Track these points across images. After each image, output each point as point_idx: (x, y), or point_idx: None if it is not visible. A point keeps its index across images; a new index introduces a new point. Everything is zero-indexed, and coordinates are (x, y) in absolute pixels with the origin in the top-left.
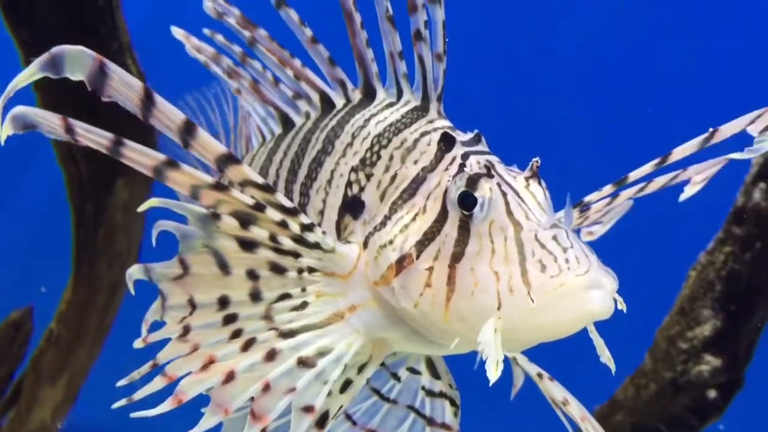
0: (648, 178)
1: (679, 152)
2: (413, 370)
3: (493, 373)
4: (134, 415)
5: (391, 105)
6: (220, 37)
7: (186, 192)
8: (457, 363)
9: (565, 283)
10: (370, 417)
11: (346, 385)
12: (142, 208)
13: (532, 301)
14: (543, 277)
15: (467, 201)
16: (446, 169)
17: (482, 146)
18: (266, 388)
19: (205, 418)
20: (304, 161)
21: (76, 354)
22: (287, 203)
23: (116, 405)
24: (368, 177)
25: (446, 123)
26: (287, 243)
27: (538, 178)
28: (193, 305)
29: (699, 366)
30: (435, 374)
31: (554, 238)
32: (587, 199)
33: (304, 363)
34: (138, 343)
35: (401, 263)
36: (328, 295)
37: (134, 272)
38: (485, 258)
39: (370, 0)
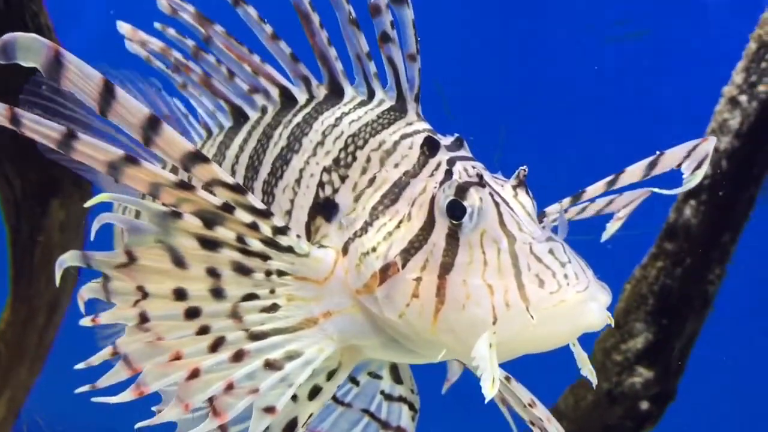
0: (602, 194)
1: (629, 174)
2: (374, 375)
3: (489, 389)
4: (95, 399)
5: (363, 104)
6: (171, 31)
7: (144, 190)
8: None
9: (565, 300)
10: (320, 420)
11: (315, 392)
12: (90, 203)
13: (532, 317)
14: (542, 292)
15: (456, 210)
16: (431, 174)
17: (465, 151)
18: (229, 387)
19: (165, 410)
20: (265, 158)
21: (16, 372)
22: (259, 205)
23: (79, 390)
24: (342, 178)
25: (426, 125)
26: (256, 245)
27: (526, 187)
28: (144, 293)
29: (632, 378)
30: (397, 379)
31: (551, 251)
32: (546, 210)
33: (271, 366)
34: (85, 322)
35: (386, 272)
36: (299, 299)
37: (68, 258)
38: (477, 270)
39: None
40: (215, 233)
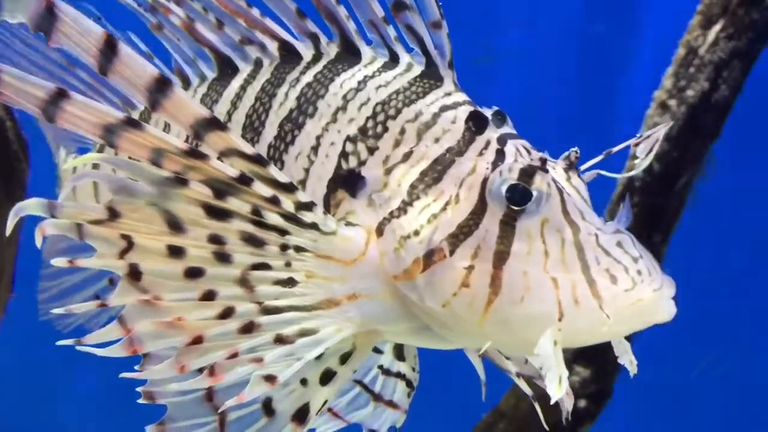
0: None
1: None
2: (375, 349)
3: (557, 389)
4: (81, 348)
5: (388, 67)
6: None
7: (143, 156)
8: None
9: (642, 299)
10: None
11: (327, 376)
12: (71, 164)
13: (608, 317)
14: (616, 290)
15: (517, 195)
16: (480, 154)
17: (509, 127)
18: (233, 356)
19: (157, 367)
20: (269, 119)
21: None
22: (283, 178)
23: (61, 342)
24: (371, 150)
25: (465, 97)
26: (274, 219)
27: (578, 170)
28: (130, 242)
29: (570, 377)
30: (399, 356)
31: (619, 244)
32: None
33: (281, 340)
34: (59, 262)
35: (430, 258)
36: (320, 277)
37: (28, 206)
38: (538, 261)
39: None
40: (226, 204)
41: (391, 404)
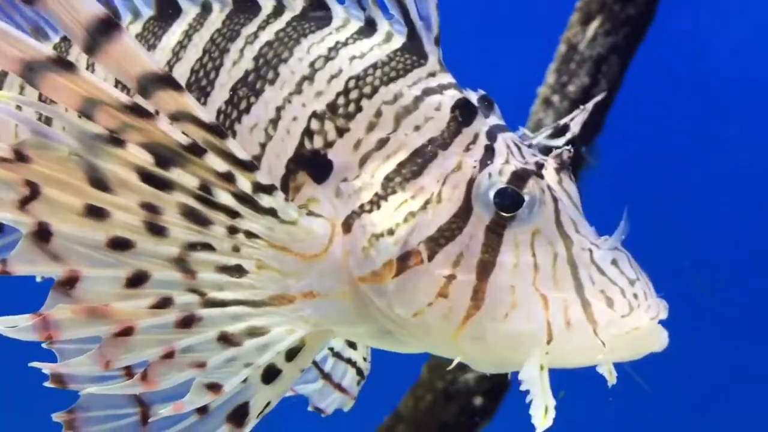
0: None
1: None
2: None
3: (542, 420)
4: None
5: (364, 34)
6: None
7: (73, 106)
8: None
9: (640, 328)
10: None
11: (271, 374)
12: None
13: (603, 344)
14: (612, 315)
15: (507, 200)
16: (467, 149)
17: (497, 117)
18: (169, 354)
19: (77, 360)
20: (220, 78)
21: None
22: (242, 154)
23: None
24: (340, 131)
25: (452, 79)
26: (225, 198)
27: (570, 172)
28: (35, 191)
29: (465, 374)
30: (351, 344)
31: (614, 263)
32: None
33: (226, 340)
34: None
35: (405, 261)
36: (273, 270)
37: None
38: (526, 275)
39: None
40: (169, 174)
41: (339, 388)
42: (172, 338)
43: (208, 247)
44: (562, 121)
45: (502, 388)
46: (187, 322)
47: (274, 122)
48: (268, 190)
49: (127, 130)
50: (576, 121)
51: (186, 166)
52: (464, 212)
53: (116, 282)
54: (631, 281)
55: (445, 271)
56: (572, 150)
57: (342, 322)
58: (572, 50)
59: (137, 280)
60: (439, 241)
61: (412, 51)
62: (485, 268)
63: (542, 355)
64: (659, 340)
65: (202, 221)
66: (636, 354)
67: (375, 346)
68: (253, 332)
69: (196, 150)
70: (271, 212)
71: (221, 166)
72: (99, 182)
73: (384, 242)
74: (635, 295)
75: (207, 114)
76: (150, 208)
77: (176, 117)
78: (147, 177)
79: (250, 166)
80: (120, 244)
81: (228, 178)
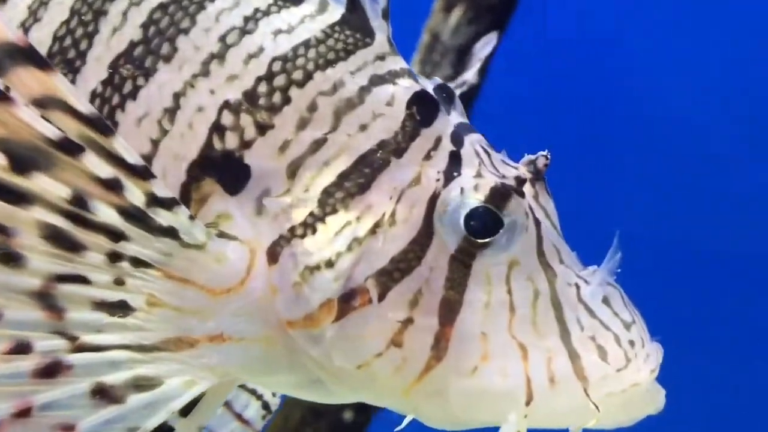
0: None
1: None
2: None
3: None
4: None
5: (291, 1)
6: None
7: None
8: None
9: (639, 383)
10: None
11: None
12: None
13: (596, 407)
14: (606, 369)
15: (482, 223)
16: (428, 156)
17: (459, 113)
18: (25, 412)
19: None
20: (95, 50)
21: None
22: (133, 157)
23: None
24: (262, 128)
25: (404, 65)
26: (107, 215)
27: (546, 183)
28: None
29: None
30: None
31: (606, 302)
32: None
33: (104, 394)
34: None
35: (349, 302)
36: (170, 307)
37: None
38: (501, 318)
39: None
40: (28, 182)
41: (240, 418)
42: (28, 390)
43: (80, 279)
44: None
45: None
46: (51, 370)
47: (171, 113)
48: (167, 204)
49: None
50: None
51: (53, 171)
52: (424, 237)
53: None
54: (626, 325)
55: (399, 314)
56: (548, 156)
57: (259, 372)
58: (435, 40)
59: None
60: (392, 275)
61: (354, 26)
62: (450, 310)
63: (520, 419)
64: (658, 400)
65: (72, 246)
66: (632, 418)
67: (297, 396)
68: (141, 384)
69: (69, 148)
70: (170, 233)
71: (104, 170)
72: None
73: (321, 277)
74: (631, 343)
75: (85, 101)
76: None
77: (42, 104)
78: None
79: (143, 173)
80: None
81: (113, 187)
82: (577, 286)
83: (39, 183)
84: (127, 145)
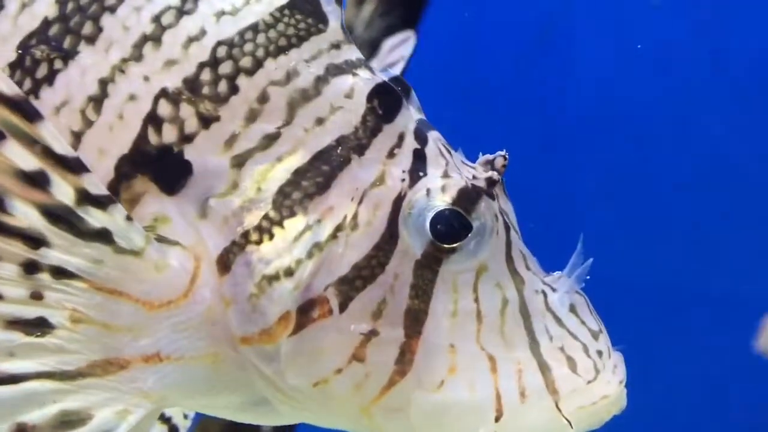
0: None
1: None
2: None
3: None
4: None
5: None
6: None
7: None
8: None
9: (609, 396)
10: None
11: None
12: None
13: (569, 422)
14: (577, 381)
15: (448, 227)
16: (391, 154)
17: (417, 109)
18: None
19: None
20: (1, 27)
21: None
22: (62, 146)
23: None
24: (205, 120)
25: (359, 54)
26: (26, 216)
27: (504, 186)
28: None
29: None
30: None
31: (573, 310)
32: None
33: None
34: None
35: (307, 313)
36: (97, 324)
37: None
38: (468, 329)
39: None
40: None
41: None
42: None
43: None
44: None
45: None
46: None
47: (97, 101)
48: (101, 202)
49: None
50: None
51: None
52: (387, 242)
53: None
54: (593, 334)
55: (362, 326)
56: (506, 156)
57: (199, 394)
58: (349, 33)
59: None
60: (354, 283)
61: (305, 11)
62: (415, 320)
63: None
64: (622, 401)
65: None
66: (598, 424)
67: (237, 420)
68: (68, 420)
69: None
70: (102, 236)
71: (28, 162)
72: None
73: (281, 287)
74: (599, 353)
75: (7, 79)
76: None
77: None
78: None
79: (74, 165)
80: None
81: (37, 182)
82: (544, 294)
83: None
84: (56, 133)
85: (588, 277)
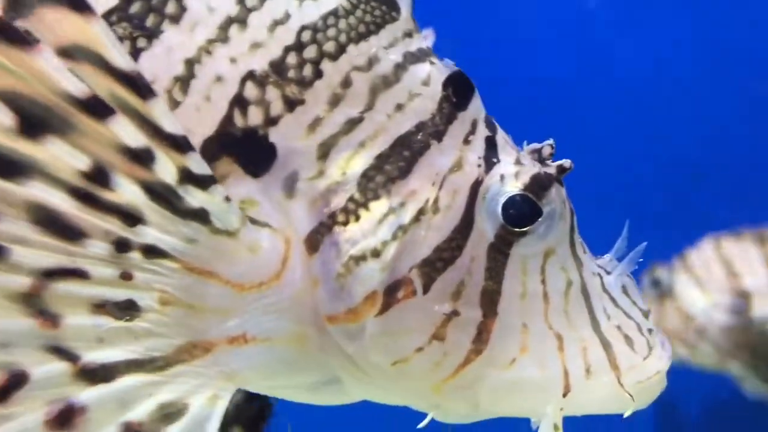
0: None
1: None
2: None
3: None
4: None
5: None
6: None
7: None
8: None
9: (661, 371)
10: None
11: None
12: None
13: (631, 396)
14: (634, 358)
15: (520, 212)
16: (466, 141)
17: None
18: None
19: None
20: None
21: None
22: (172, 124)
23: None
24: (290, 103)
25: (426, 42)
26: (128, 192)
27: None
28: None
29: (223, 398)
30: None
31: (625, 291)
32: None
33: None
34: None
35: (393, 294)
36: (185, 306)
37: None
38: (537, 309)
39: None
40: (35, 149)
41: None
42: None
43: (77, 274)
44: None
45: (263, 415)
46: (64, 419)
47: (184, 82)
48: (203, 182)
49: None
50: None
51: (71, 137)
52: (464, 226)
53: None
54: (644, 313)
55: (446, 306)
56: (554, 145)
57: (277, 374)
58: None
59: None
60: (435, 265)
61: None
62: (490, 300)
63: (556, 411)
64: (665, 380)
65: (70, 233)
66: (652, 398)
67: (300, 400)
68: (167, 413)
69: (96, 111)
70: (199, 216)
71: (135, 139)
72: None
73: (367, 268)
74: (650, 331)
75: (127, 55)
76: None
77: (70, 53)
78: None
79: (182, 144)
80: None
81: (141, 159)
82: (600, 276)
83: (51, 150)
84: (167, 110)
85: (641, 260)
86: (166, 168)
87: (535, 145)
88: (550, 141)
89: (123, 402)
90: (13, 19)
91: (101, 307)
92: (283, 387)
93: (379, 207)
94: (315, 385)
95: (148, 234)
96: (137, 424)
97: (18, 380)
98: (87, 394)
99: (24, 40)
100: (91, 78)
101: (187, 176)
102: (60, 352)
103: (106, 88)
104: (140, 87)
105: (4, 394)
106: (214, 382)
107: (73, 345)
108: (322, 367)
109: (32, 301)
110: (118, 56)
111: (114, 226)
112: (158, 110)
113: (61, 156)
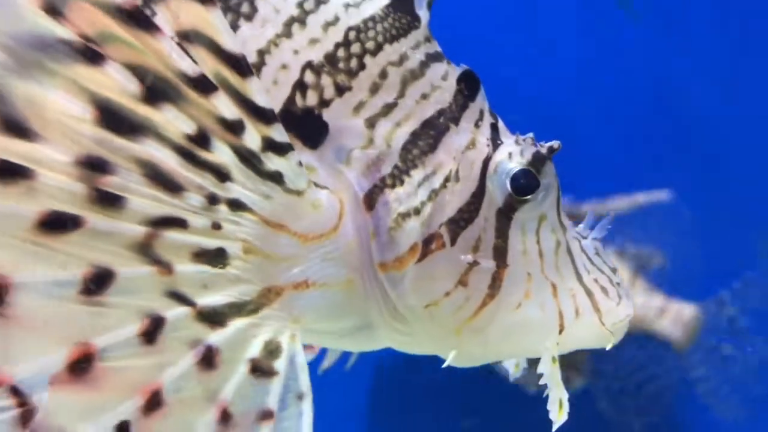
0: None
1: None
2: None
3: (558, 414)
4: None
5: None
6: None
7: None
8: None
9: (629, 315)
10: None
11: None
12: None
13: (611, 333)
14: (610, 304)
15: (524, 183)
16: (477, 125)
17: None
18: (226, 416)
19: None
20: None
21: None
22: (264, 101)
23: None
24: (340, 89)
25: (439, 47)
26: (221, 154)
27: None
28: None
29: None
30: None
31: (597, 253)
32: None
33: (259, 372)
34: None
35: (428, 245)
36: (262, 254)
37: None
38: (535, 262)
39: None
40: (152, 113)
41: None
42: (211, 391)
43: (179, 223)
44: None
45: None
46: (209, 360)
47: (257, 68)
48: (283, 150)
49: (111, 42)
50: None
51: (181, 105)
52: (479, 193)
53: (68, 288)
54: (612, 270)
55: (468, 257)
56: (560, 144)
57: (326, 317)
58: None
59: (98, 280)
60: (459, 223)
61: (403, 9)
62: (501, 254)
63: (554, 346)
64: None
65: (173, 186)
66: (621, 336)
67: (331, 345)
68: (270, 350)
69: (203, 87)
70: (275, 177)
71: (231, 112)
72: (14, 125)
73: (411, 223)
74: (618, 284)
75: (235, 40)
76: (95, 163)
77: (187, 36)
78: (110, 117)
79: (269, 117)
80: (57, 224)
81: (235, 128)
82: (578, 240)
83: (165, 115)
84: (261, 87)
85: (609, 228)
86: (252, 137)
87: (533, 139)
88: (557, 142)
89: (240, 342)
90: (146, 5)
91: (199, 255)
92: (326, 332)
93: (417, 174)
94: (351, 330)
95: (234, 190)
96: (257, 360)
97: (158, 324)
98: (215, 337)
99: (152, 25)
100: (201, 58)
101: (269, 144)
102: (178, 297)
103: (212, 67)
104: (242, 67)
105: (151, 336)
106: (288, 323)
107: (188, 291)
108: (363, 312)
109: (147, 251)
110: (229, 41)
111: (208, 181)
112: (254, 87)
113: (173, 120)
